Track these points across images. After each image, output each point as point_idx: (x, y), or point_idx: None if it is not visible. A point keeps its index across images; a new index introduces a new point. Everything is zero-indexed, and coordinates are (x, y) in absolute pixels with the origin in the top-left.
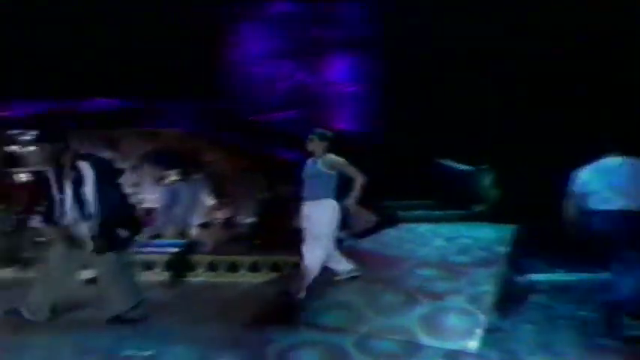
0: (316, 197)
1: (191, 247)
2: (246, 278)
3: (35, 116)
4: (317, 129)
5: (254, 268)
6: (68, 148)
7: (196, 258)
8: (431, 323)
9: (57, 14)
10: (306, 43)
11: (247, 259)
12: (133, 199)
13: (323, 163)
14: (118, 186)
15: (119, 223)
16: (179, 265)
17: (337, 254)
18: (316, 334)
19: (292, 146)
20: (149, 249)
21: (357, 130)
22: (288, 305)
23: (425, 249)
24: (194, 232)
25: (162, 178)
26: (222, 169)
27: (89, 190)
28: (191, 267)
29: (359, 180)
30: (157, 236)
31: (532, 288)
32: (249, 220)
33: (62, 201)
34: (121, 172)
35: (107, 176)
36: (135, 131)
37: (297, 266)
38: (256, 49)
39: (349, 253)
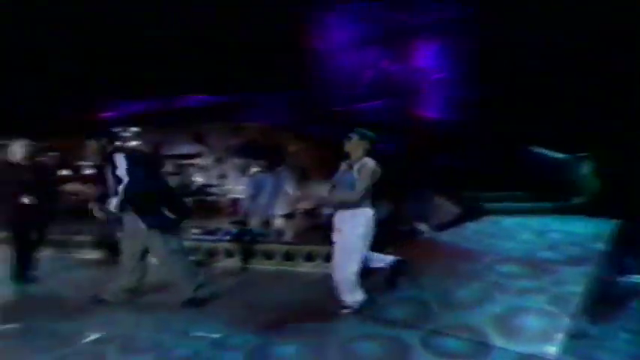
0: (350, 206)
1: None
2: (321, 268)
3: (134, 115)
4: (357, 128)
5: (328, 258)
6: (110, 144)
7: (274, 247)
8: (506, 323)
9: (151, 19)
10: (390, 30)
11: (323, 249)
12: (213, 189)
13: (359, 169)
14: (154, 173)
15: (164, 206)
16: (248, 253)
17: (374, 255)
18: (380, 328)
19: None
20: (230, 237)
21: (443, 118)
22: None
23: (508, 243)
24: (277, 222)
25: (246, 170)
26: (306, 160)
27: (120, 175)
28: (269, 255)
29: (349, 196)
30: (242, 225)
31: (633, 291)
32: (331, 210)
33: (109, 189)
34: (160, 163)
35: (140, 165)
36: (222, 125)
37: None
38: (339, 39)
39: (426, 245)
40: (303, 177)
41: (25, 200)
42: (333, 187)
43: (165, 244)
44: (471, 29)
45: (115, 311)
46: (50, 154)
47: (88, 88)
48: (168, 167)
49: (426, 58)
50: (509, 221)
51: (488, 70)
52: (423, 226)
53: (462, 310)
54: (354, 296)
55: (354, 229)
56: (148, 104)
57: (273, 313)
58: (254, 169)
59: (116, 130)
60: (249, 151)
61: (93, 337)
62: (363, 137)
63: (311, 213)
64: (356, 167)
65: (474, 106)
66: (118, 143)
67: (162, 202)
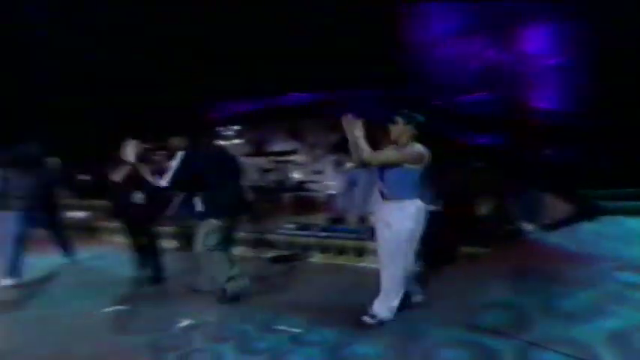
0: (397, 197)
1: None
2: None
3: (240, 115)
4: (402, 110)
5: (421, 257)
6: (185, 142)
7: (366, 244)
8: (623, 341)
9: (250, 21)
10: (496, 15)
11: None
12: (310, 185)
13: None
14: (204, 171)
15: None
16: (340, 250)
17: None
18: (470, 334)
19: (482, 130)
20: (325, 233)
21: (558, 108)
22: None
23: (632, 248)
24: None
25: (341, 165)
26: None
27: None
28: (360, 252)
29: (366, 153)
30: (339, 221)
31: None
32: (430, 207)
33: None
34: (222, 162)
35: (193, 162)
36: (318, 122)
37: (474, 258)
38: (440, 29)
39: (531, 246)
40: None
41: (136, 198)
42: (381, 177)
43: (199, 235)
44: (588, 8)
45: (207, 300)
46: (161, 153)
47: (192, 89)
48: (262, 164)
49: (536, 43)
50: (633, 223)
51: (610, 53)
52: (529, 226)
53: (569, 321)
54: (386, 305)
55: (402, 224)
56: (246, 103)
57: (358, 311)
58: (349, 165)
59: (198, 128)
60: (344, 147)
61: (184, 323)
62: (409, 121)
63: None
64: None
65: (593, 94)
66: (190, 141)
67: (206, 198)
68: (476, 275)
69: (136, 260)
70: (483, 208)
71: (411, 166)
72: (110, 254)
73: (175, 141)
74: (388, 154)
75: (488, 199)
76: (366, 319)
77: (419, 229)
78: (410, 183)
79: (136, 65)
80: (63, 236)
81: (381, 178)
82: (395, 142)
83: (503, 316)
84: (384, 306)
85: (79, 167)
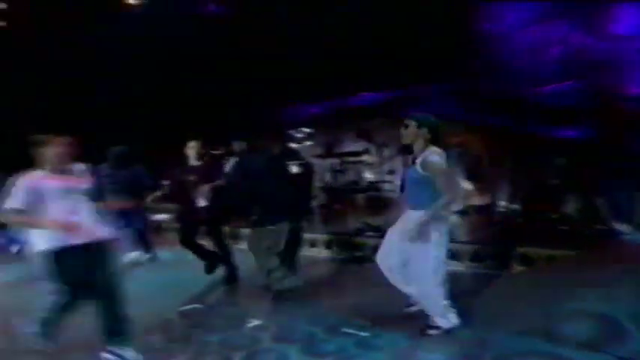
0: (418, 207)
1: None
2: (488, 269)
3: (310, 116)
4: (413, 113)
5: (498, 257)
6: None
7: None
8: None
9: (318, 22)
10: None
11: (491, 249)
12: (381, 185)
13: (423, 164)
14: (252, 176)
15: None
16: None
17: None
18: (550, 346)
19: (568, 122)
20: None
21: None
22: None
23: None
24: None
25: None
26: (479, 152)
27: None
28: None
29: (443, 198)
30: None
31: None
32: (509, 206)
33: None
34: (283, 166)
35: (238, 168)
36: (388, 121)
37: (551, 259)
38: (518, 14)
39: (626, 248)
40: (476, 170)
41: (197, 200)
42: (405, 187)
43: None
44: None
45: (278, 300)
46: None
47: (263, 93)
48: (333, 166)
49: (626, 23)
50: None
51: None
52: (623, 226)
53: None
54: (442, 315)
55: (424, 235)
56: (316, 105)
57: (428, 315)
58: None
59: (260, 132)
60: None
61: (254, 323)
62: (421, 124)
63: (485, 209)
64: (419, 161)
65: None
66: (250, 145)
67: (257, 202)
68: (561, 280)
69: (210, 260)
70: (570, 208)
71: (429, 175)
72: (187, 255)
73: (237, 145)
74: (444, 178)
75: (575, 198)
76: (430, 331)
77: (445, 239)
78: (430, 192)
79: (209, 70)
80: (145, 236)
81: (402, 189)
82: (410, 146)
83: (589, 327)
84: (439, 314)
85: (162, 172)
